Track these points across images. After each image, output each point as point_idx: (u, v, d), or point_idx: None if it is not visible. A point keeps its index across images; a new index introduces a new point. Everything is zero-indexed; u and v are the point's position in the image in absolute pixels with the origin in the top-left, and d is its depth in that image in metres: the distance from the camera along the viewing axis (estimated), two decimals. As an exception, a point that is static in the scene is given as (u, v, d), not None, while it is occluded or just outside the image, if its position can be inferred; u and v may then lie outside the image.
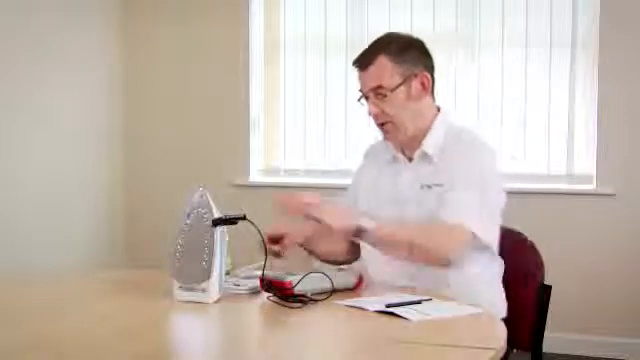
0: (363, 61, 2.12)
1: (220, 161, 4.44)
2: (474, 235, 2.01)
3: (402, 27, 3.89)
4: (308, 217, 1.99)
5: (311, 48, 4.34)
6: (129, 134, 4.61)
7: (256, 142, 4.45)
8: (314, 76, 4.34)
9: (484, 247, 2.07)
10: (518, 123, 4.04)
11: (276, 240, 2.10)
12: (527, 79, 4.01)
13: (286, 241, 2.11)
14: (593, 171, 3.93)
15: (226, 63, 4.42)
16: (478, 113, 4.07)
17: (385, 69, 2.09)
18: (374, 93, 2.11)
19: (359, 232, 1.99)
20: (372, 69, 2.10)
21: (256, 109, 4.45)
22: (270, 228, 2.09)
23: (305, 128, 4.39)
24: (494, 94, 4.06)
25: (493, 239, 2.08)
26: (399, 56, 2.10)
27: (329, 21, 4.30)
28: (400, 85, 2.09)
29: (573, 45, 3.95)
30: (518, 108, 4.04)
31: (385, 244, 2.03)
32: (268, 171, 4.48)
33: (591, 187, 3.93)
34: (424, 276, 2.02)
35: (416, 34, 2.22)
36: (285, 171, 4.43)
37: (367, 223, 1.98)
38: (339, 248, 2.25)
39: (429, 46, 2.17)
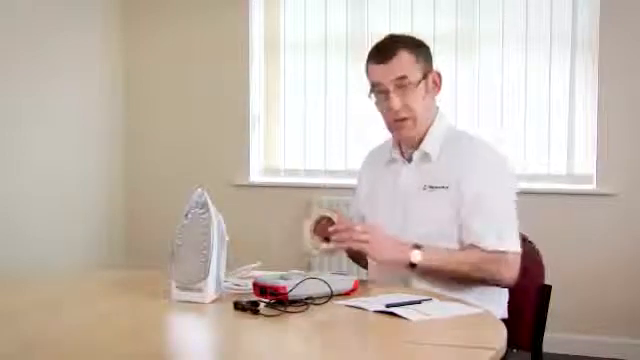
0: (386, 54, 2.09)
1: (220, 161, 4.44)
2: (518, 253, 2.03)
3: (402, 27, 3.89)
4: (353, 249, 2.01)
5: (311, 48, 4.34)
6: (129, 134, 4.61)
7: (256, 142, 4.45)
8: (314, 76, 4.33)
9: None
10: (518, 123, 4.04)
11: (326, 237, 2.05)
12: (527, 79, 4.01)
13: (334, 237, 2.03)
14: (593, 171, 3.93)
15: (226, 63, 4.42)
16: (478, 113, 4.07)
17: (409, 62, 2.08)
18: (396, 86, 2.07)
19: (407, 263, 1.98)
20: (395, 61, 2.07)
21: (256, 109, 4.44)
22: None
23: (305, 128, 4.38)
24: (494, 94, 4.05)
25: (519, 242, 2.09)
26: (417, 52, 2.10)
27: (329, 21, 4.30)
28: (422, 80, 2.09)
29: (573, 45, 3.95)
30: (518, 108, 4.03)
31: (435, 276, 2.00)
32: (268, 171, 4.48)
33: (591, 187, 3.93)
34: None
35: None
36: (285, 171, 4.43)
37: (414, 257, 1.96)
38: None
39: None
